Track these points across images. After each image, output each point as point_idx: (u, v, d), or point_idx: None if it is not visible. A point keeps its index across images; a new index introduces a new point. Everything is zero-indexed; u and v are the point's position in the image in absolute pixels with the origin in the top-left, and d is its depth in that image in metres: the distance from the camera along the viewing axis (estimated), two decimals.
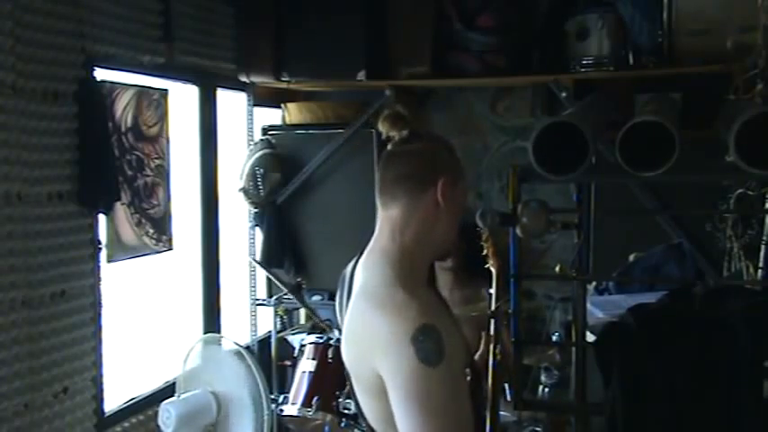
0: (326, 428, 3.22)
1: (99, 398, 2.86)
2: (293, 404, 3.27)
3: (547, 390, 3.21)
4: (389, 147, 1.68)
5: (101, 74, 2.85)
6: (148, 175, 3.16)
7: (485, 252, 2.41)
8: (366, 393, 1.60)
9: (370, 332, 1.53)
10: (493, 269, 2.37)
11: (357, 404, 1.67)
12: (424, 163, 1.62)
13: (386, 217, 1.65)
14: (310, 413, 3.20)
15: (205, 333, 3.56)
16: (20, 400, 2.48)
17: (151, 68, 3.15)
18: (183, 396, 3.14)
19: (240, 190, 4.00)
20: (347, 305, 1.67)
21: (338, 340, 3.36)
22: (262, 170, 4.00)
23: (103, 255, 2.88)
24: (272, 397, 3.35)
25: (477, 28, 3.55)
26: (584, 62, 3.39)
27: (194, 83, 3.56)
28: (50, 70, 2.58)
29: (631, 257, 3.27)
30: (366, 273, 1.62)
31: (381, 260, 1.61)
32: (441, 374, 1.45)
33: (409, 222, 1.61)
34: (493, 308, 2.32)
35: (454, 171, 1.64)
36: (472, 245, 2.60)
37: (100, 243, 2.86)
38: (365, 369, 1.54)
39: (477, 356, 2.23)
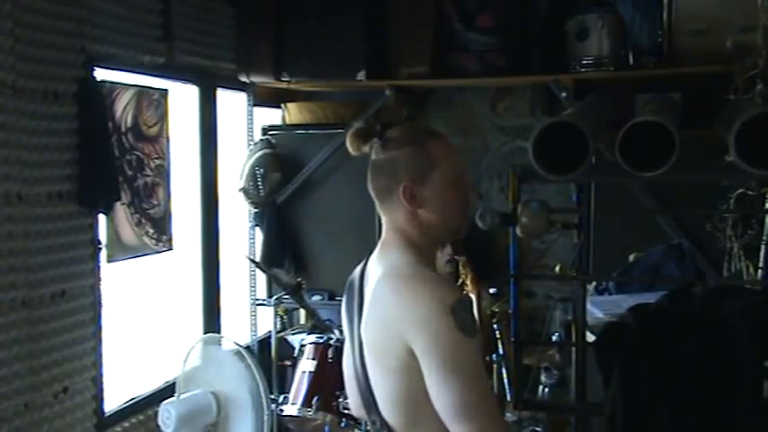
0: (326, 428, 3.22)
1: (99, 398, 2.86)
2: (293, 404, 3.27)
3: (547, 390, 3.21)
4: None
5: (101, 74, 2.85)
6: (148, 175, 3.16)
7: (461, 280, 2.41)
8: (388, 375, 1.60)
9: (403, 307, 1.55)
10: (472, 295, 2.38)
11: (369, 391, 1.66)
12: (384, 174, 1.66)
13: (385, 221, 1.71)
14: (310, 413, 3.20)
15: (205, 333, 3.56)
16: (20, 400, 2.48)
17: (151, 68, 3.15)
18: (183, 396, 3.14)
19: (240, 190, 4.00)
20: (360, 305, 1.68)
21: (338, 341, 3.36)
22: (262, 170, 4.01)
23: (103, 255, 2.88)
24: (272, 397, 3.35)
25: (477, 28, 3.55)
26: (584, 62, 3.39)
27: (194, 83, 3.56)
28: (50, 70, 2.58)
29: (631, 257, 3.27)
30: (386, 261, 1.66)
31: (398, 249, 1.65)
32: (476, 345, 1.52)
33: (401, 225, 1.67)
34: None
35: (418, 169, 1.64)
36: (471, 247, 2.60)
37: (100, 243, 2.86)
38: (394, 347, 1.55)
39: None
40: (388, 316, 1.57)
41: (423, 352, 1.51)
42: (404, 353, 1.53)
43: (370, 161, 1.69)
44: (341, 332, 3.40)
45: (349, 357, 1.76)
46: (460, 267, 2.41)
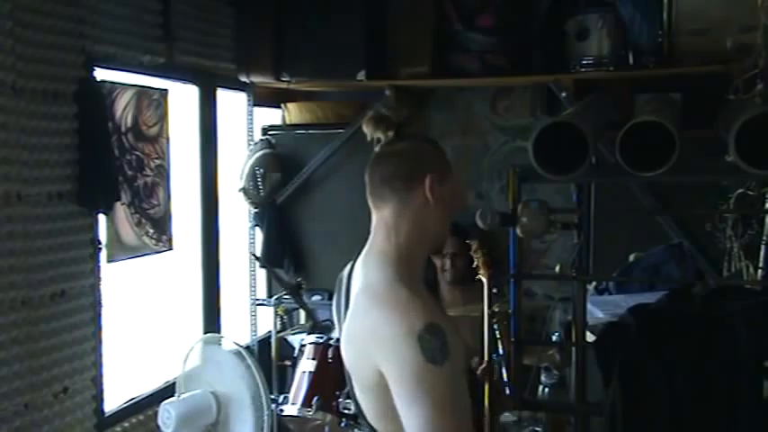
0: (326, 428, 3.22)
1: (99, 398, 2.86)
2: (293, 404, 3.27)
3: (547, 390, 3.21)
4: (377, 148, 1.69)
5: (101, 74, 2.85)
6: (148, 175, 3.16)
7: (475, 263, 2.40)
8: (365, 391, 1.60)
9: (372, 329, 1.52)
10: (483, 279, 2.37)
11: (356, 402, 1.67)
12: (409, 162, 1.64)
13: (379, 218, 1.67)
14: (310, 413, 3.20)
15: (205, 333, 3.56)
16: (20, 400, 2.48)
17: (151, 68, 3.15)
18: (183, 396, 3.14)
19: (240, 190, 4.00)
20: (346, 306, 1.67)
21: (338, 340, 3.36)
22: (262, 170, 4.01)
23: (103, 255, 2.88)
24: (272, 397, 3.35)
25: (477, 28, 3.55)
26: (584, 62, 3.39)
27: (194, 83, 3.56)
28: (50, 70, 2.58)
29: (631, 257, 3.27)
30: (366, 272, 1.63)
31: (380, 260, 1.62)
32: (446, 372, 1.46)
33: (401, 222, 1.63)
34: (486, 314, 2.33)
35: (441, 168, 1.64)
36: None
37: (100, 243, 2.86)
38: (366, 366, 1.54)
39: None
40: (360, 337, 1.57)
41: (389, 377, 1.49)
42: (375, 374, 1.52)
43: (386, 148, 1.67)
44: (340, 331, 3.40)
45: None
46: (473, 251, 2.40)
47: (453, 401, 1.48)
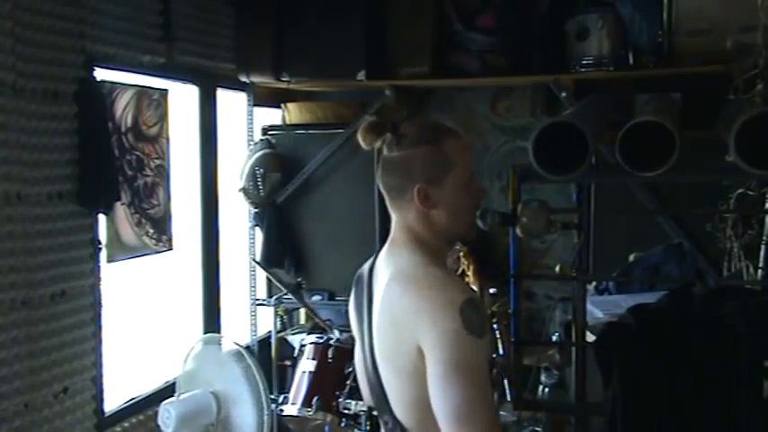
0: (326, 428, 3.22)
1: (99, 398, 2.86)
2: (293, 404, 3.27)
3: (547, 390, 3.21)
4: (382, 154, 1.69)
5: (101, 74, 2.85)
6: (148, 175, 3.16)
7: (462, 268, 2.40)
8: (401, 375, 1.59)
9: (412, 307, 1.53)
10: (474, 286, 2.37)
11: (383, 392, 1.65)
12: (398, 173, 1.64)
13: (395, 218, 1.69)
14: (310, 413, 3.20)
15: (205, 333, 3.56)
16: (20, 400, 2.48)
17: (151, 68, 3.15)
18: (182, 396, 3.14)
19: (240, 190, 4.00)
20: (368, 302, 1.68)
21: (338, 341, 3.36)
22: (262, 170, 4.01)
23: (103, 255, 2.88)
24: (272, 397, 3.35)
25: (477, 28, 3.55)
26: (584, 62, 3.39)
27: (194, 83, 3.56)
28: (50, 70, 2.58)
29: (631, 257, 3.27)
30: (396, 261, 1.64)
31: (408, 249, 1.64)
32: (483, 346, 1.49)
33: (411, 223, 1.65)
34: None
35: (434, 171, 1.62)
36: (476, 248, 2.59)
37: (100, 243, 2.86)
38: (404, 347, 1.54)
39: None
40: (399, 319, 1.56)
41: (428, 350, 1.49)
42: (414, 355, 1.52)
43: (382, 157, 1.66)
44: (341, 332, 3.40)
45: (359, 355, 1.75)
46: (461, 258, 2.40)
47: (485, 376, 1.49)
